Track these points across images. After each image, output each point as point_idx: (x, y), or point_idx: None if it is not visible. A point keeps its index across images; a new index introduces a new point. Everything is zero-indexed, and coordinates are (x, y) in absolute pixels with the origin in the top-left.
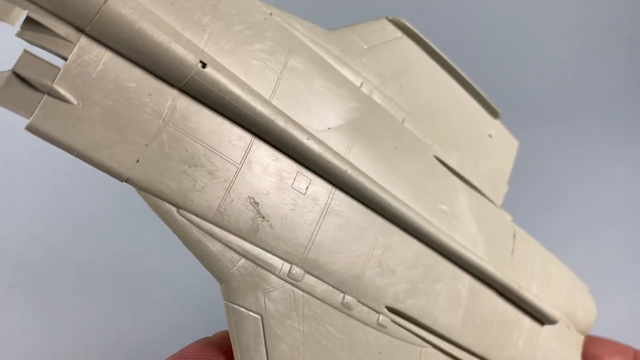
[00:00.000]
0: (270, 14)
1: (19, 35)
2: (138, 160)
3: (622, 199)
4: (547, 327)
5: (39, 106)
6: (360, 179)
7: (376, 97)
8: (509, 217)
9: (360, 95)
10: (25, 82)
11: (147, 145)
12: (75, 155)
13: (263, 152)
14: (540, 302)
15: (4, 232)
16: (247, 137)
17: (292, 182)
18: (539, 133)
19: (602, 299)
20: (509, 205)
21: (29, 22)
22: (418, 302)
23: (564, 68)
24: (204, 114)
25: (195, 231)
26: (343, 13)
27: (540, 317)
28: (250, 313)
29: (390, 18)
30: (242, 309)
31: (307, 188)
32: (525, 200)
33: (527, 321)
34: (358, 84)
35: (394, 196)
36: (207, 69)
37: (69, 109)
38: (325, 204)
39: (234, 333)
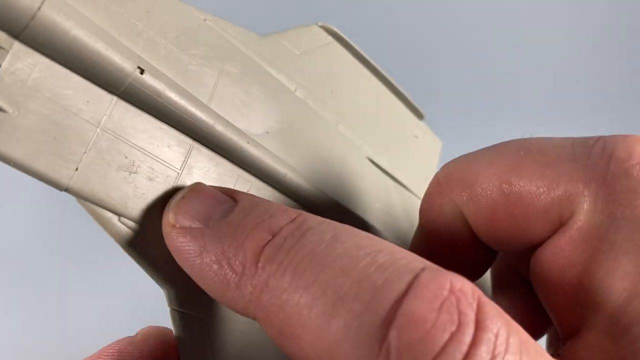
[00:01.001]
0: (205, 20)
1: None
2: (77, 169)
3: None
4: None
5: None
6: (300, 181)
7: (310, 102)
8: None
9: (296, 99)
10: None
11: (85, 152)
12: (12, 165)
13: (203, 157)
14: None
15: (4, 231)
16: (187, 142)
17: (233, 185)
18: (539, 132)
19: None
20: None
21: None
22: None
23: (564, 67)
24: (143, 120)
25: (138, 239)
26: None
27: None
28: (197, 316)
29: (320, 24)
30: (189, 313)
31: (248, 191)
32: None
33: None
34: (293, 89)
35: (330, 197)
36: (145, 75)
37: (4, 118)
38: None
39: (182, 339)
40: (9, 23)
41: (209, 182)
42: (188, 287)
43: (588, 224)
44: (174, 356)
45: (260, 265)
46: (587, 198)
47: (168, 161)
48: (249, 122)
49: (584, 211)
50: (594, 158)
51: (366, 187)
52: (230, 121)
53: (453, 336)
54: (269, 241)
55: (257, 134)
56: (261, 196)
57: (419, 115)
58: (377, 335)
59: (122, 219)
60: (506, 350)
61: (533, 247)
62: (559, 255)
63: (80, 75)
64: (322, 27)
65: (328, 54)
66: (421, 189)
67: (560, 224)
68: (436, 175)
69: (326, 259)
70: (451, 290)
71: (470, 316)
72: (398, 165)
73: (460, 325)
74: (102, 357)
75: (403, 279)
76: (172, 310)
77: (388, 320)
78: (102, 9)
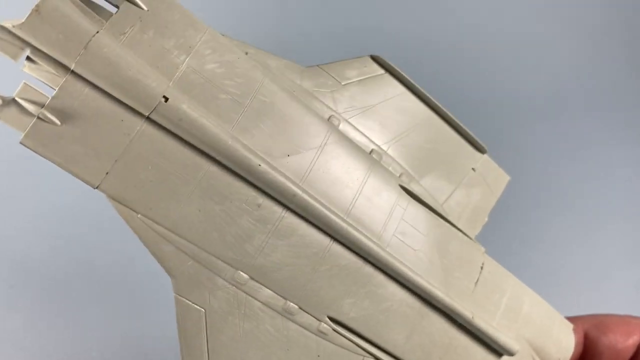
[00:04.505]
0: (246, 53)
1: (23, 69)
2: (107, 173)
3: (623, 198)
4: (505, 358)
5: (30, 126)
6: (310, 201)
7: (345, 129)
8: (481, 249)
9: (327, 127)
10: (23, 107)
11: (116, 161)
12: (57, 165)
13: (217, 175)
14: (496, 332)
15: (5, 232)
16: (203, 162)
17: (245, 202)
18: (539, 133)
19: (602, 299)
20: (508, 207)
21: (29, 60)
22: (362, 316)
23: (564, 68)
24: (166, 140)
25: (152, 234)
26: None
27: (496, 348)
28: (195, 306)
29: (373, 56)
30: (188, 301)
31: (259, 206)
32: (525, 200)
33: (480, 351)
34: (326, 117)
35: (342, 218)
36: (169, 102)
37: (54, 129)
38: (275, 222)
39: (180, 322)
40: (63, 58)
41: (222, 196)
42: (191, 278)
43: None
44: None
45: None
46: None
47: (186, 176)
48: (271, 146)
49: None
50: None
51: (386, 217)
52: (250, 145)
53: None
54: None
55: (276, 157)
56: (270, 212)
57: (480, 149)
58: None
59: (141, 216)
60: None
61: None
62: None
63: (117, 99)
64: (373, 58)
65: (377, 85)
66: (469, 221)
67: None
68: None
69: None
70: None
71: None
72: (442, 195)
73: None
74: None
75: None
76: (176, 297)
77: None
78: (147, 45)
